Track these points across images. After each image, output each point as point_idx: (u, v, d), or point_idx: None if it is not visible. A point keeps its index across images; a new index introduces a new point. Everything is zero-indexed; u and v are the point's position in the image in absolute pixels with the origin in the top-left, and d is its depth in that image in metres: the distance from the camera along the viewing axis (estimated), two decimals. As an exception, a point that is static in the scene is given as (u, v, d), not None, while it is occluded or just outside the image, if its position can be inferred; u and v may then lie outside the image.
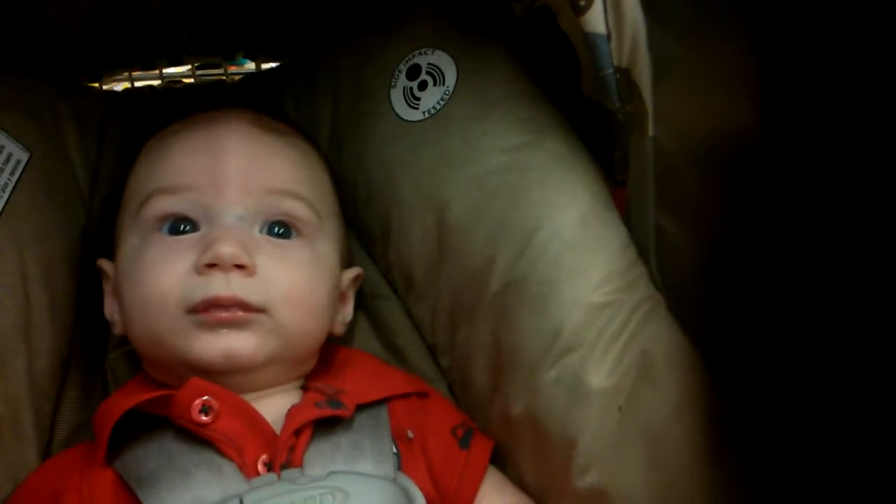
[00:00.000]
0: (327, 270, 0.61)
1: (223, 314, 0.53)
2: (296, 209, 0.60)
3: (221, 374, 0.54)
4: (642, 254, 0.57)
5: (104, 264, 0.62)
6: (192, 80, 0.85)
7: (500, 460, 0.61)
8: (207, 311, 0.53)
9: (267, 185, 0.59)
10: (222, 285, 0.53)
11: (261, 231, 0.58)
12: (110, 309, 0.62)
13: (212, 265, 0.54)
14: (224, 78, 0.85)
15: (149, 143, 0.64)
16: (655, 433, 0.49)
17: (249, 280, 0.54)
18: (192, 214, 0.57)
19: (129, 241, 0.59)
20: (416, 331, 0.69)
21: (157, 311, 0.54)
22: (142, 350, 0.59)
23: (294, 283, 0.57)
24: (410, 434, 0.57)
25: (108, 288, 0.62)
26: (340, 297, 0.64)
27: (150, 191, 0.59)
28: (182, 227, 0.57)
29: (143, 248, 0.57)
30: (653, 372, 0.50)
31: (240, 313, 0.54)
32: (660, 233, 0.57)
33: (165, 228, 0.57)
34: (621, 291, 0.54)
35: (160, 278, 0.55)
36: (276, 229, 0.59)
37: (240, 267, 0.54)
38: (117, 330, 0.61)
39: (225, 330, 0.54)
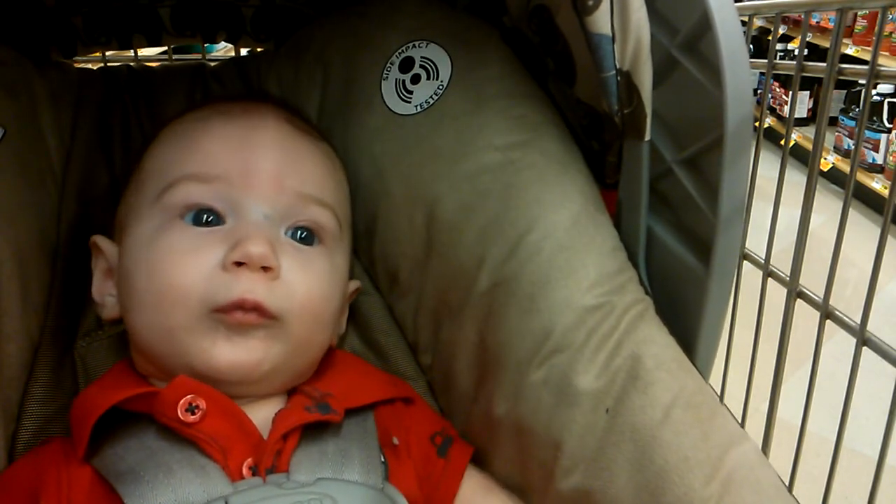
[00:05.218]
0: (340, 283, 0.60)
1: (242, 317, 0.52)
2: (322, 217, 0.59)
3: (221, 382, 0.52)
4: (632, 257, 0.57)
5: (101, 241, 0.60)
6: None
7: (480, 461, 0.60)
8: (229, 313, 0.52)
9: (298, 188, 0.58)
10: (248, 288, 0.52)
11: (285, 234, 0.57)
12: (101, 290, 0.59)
13: (240, 263, 0.52)
14: (203, 60, 0.83)
15: (173, 126, 0.61)
16: (643, 436, 0.49)
17: (272, 284, 0.53)
18: (219, 206, 0.55)
19: (144, 225, 0.56)
20: (397, 328, 0.68)
21: (176, 306, 0.52)
22: (143, 340, 0.55)
23: (312, 293, 0.56)
24: (396, 440, 0.56)
25: (99, 266, 0.60)
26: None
27: (178, 176, 0.56)
28: (206, 217, 0.55)
29: (163, 236, 0.54)
30: (642, 375, 0.50)
31: (255, 318, 0.52)
32: (650, 237, 0.58)
33: (189, 218, 0.55)
34: (611, 294, 0.54)
35: (185, 271, 0.52)
36: (300, 233, 0.57)
37: (265, 269, 0.53)
38: (106, 314, 0.59)
39: (239, 338, 0.52)
